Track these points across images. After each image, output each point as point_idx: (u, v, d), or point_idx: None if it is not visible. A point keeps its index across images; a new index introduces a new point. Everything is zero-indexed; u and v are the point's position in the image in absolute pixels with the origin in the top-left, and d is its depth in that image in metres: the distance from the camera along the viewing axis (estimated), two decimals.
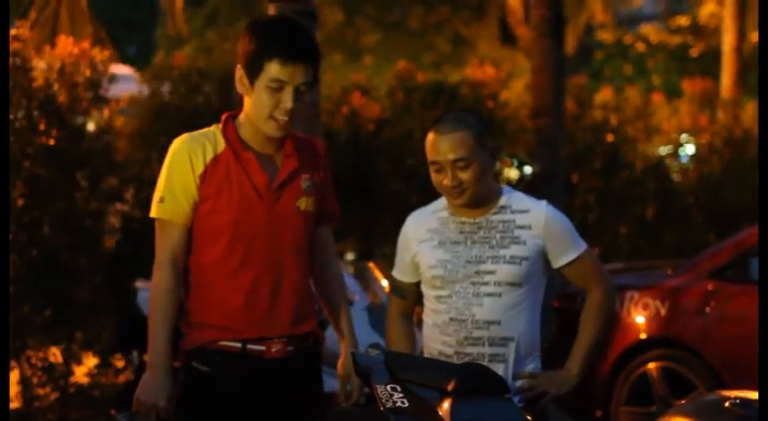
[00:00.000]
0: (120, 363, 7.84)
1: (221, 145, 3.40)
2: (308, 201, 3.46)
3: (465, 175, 3.57)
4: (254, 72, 3.33)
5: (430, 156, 3.62)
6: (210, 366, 3.37)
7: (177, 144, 3.42)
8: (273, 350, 3.39)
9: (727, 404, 3.41)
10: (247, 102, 3.40)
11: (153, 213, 3.40)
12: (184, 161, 3.37)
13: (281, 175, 3.41)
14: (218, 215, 3.36)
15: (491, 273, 3.60)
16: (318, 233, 3.59)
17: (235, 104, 8.99)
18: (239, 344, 3.36)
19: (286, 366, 3.41)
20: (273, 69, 3.29)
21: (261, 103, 3.34)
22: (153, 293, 3.37)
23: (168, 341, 3.34)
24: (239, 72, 3.37)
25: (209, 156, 3.38)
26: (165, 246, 3.38)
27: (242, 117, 3.45)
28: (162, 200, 3.38)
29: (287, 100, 3.32)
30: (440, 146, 3.58)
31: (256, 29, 3.37)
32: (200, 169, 3.36)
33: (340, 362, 3.60)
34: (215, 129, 3.44)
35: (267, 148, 3.43)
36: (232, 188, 3.36)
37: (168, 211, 3.37)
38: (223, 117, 3.48)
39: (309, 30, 3.52)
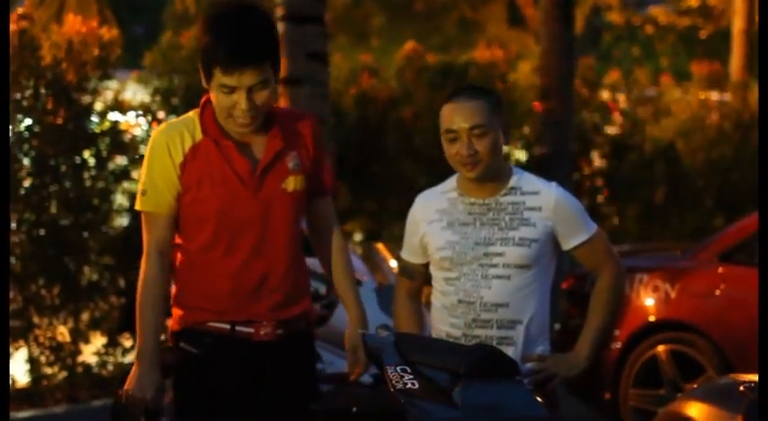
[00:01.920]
0: (127, 343, 7.86)
1: (200, 133, 3.32)
2: (296, 181, 3.36)
3: (481, 145, 3.54)
4: (206, 74, 3.24)
5: (445, 125, 3.58)
6: (200, 348, 3.32)
7: (156, 134, 3.35)
8: (262, 333, 3.33)
9: (741, 388, 3.39)
10: (211, 96, 3.30)
11: (137, 206, 3.35)
12: (163, 152, 3.30)
13: (265, 159, 3.32)
14: (201, 204, 3.29)
15: (500, 255, 3.57)
16: (316, 207, 3.51)
17: None
18: (228, 326, 3.32)
19: (276, 349, 3.35)
20: (218, 76, 3.20)
21: (218, 104, 3.26)
22: (140, 285, 3.31)
23: (157, 333, 3.29)
24: (201, 68, 3.28)
25: (188, 144, 3.30)
26: (151, 238, 3.33)
27: None
28: (144, 192, 3.32)
29: (241, 102, 3.21)
30: (456, 114, 3.55)
31: (207, 25, 3.24)
32: (179, 159, 3.29)
33: (347, 333, 3.52)
34: (194, 116, 3.36)
35: (248, 133, 3.33)
36: (213, 177, 3.29)
37: (152, 203, 3.32)
38: (201, 101, 3.38)
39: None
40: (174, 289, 3.39)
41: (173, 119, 3.43)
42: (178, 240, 3.37)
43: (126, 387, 3.28)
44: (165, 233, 3.33)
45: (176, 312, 3.38)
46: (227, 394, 3.32)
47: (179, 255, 3.38)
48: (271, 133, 3.35)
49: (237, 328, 3.32)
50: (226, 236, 3.30)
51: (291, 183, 3.36)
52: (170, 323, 3.39)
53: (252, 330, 3.32)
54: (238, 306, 3.31)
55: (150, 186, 3.32)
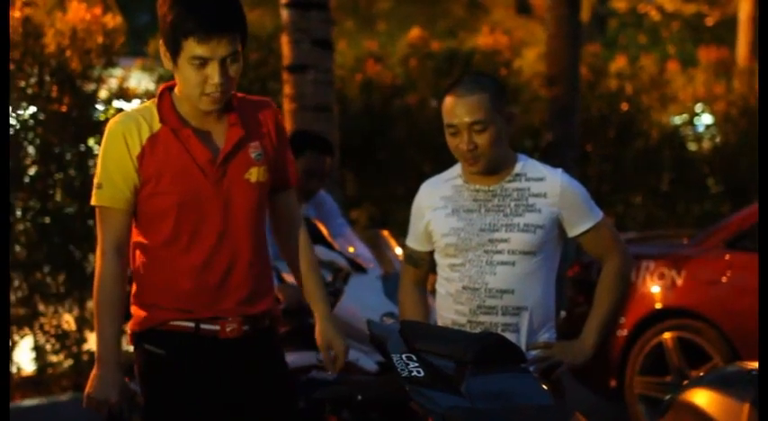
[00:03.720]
0: None
1: (157, 123, 3.21)
2: (259, 171, 3.26)
3: (481, 139, 3.53)
4: (173, 50, 3.13)
5: (446, 119, 3.57)
6: (164, 348, 3.23)
7: (111, 125, 3.23)
8: (228, 330, 3.23)
9: (748, 376, 3.38)
10: (176, 77, 3.21)
11: (93, 201, 3.24)
12: (119, 143, 3.18)
13: (226, 148, 3.22)
14: (160, 197, 3.19)
15: (505, 241, 3.56)
16: (279, 200, 3.42)
17: (247, 68, 8.96)
18: (192, 324, 3.22)
19: (242, 347, 3.25)
20: (192, 47, 3.09)
21: (188, 82, 3.15)
22: (98, 284, 3.20)
23: (117, 334, 3.20)
24: (161, 47, 3.18)
25: (146, 135, 3.19)
26: (108, 234, 3.21)
27: (178, 91, 3.25)
28: (100, 186, 3.21)
29: (213, 75, 3.11)
30: (456, 109, 3.54)
31: (169, 5, 3.14)
32: (136, 150, 3.18)
33: (317, 331, 3.41)
34: (151, 105, 3.25)
35: (208, 121, 3.24)
36: (173, 168, 3.18)
37: (108, 198, 3.20)
38: (158, 90, 3.30)
39: None
40: (133, 288, 3.28)
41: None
42: (138, 237, 3.26)
43: (87, 390, 3.18)
44: (122, 229, 3.22)
45: (137, 312, 3.27)
46: (195, 394, 3.23)
47: (138, 253, 3.27)
48: (231, 121, 3.25)
49: (202, 326, 3.22)
50: (187, 229, 3.20)
51: (255, 174, 3.26)
52: (130, 324, 3.29)
53: (217, 328, 3.23)
54: (203, 302, 3.22)
55: (106, 180, 3.20)
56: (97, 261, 3.23)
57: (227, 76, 3.14)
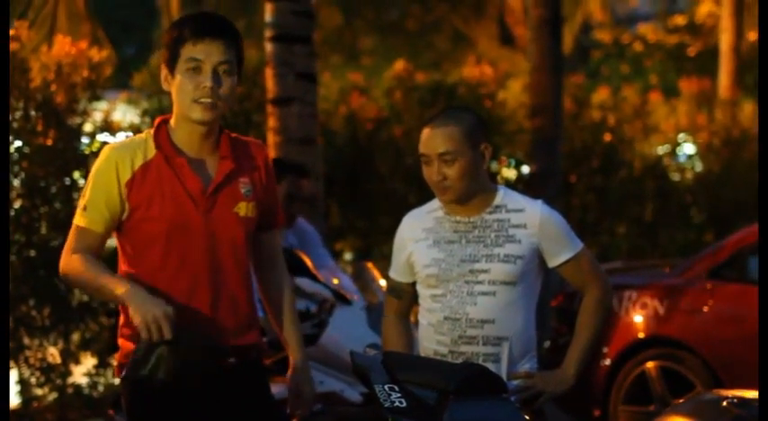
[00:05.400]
0: None
1: (152, 151, 3.29)
2: (248, 207, 3.33)
3: (451, 171, 3.59)
4: (172, 63, 3.26)
5: (420, 148, 3.66)
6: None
7: (106, 152, 3.31)
8: None
9: (725, 403, 3.41)
10: (173, 95, 3.30)
11: (75, 220, 3.30)
12: (110, 170, 3.26)
13: (217, 179, 3.29)
14: (150, 223, 3.24)
15: (485, 271, 3.60)
16: (263, 239, 3.46)
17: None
18: None
19: (229, 379, 3.27)
20: (187, 51, 3.22)
21: (182, 89, 3.25)
22: (75, 267, 3.21)
23: (112, 275, 3.19)
24: (163, 71, 3.31)
25: (139, 163, 3.27)
26: (78, 245, 3.27)
27: (173, 121, 3.34)
28: (85, 208, 3.28)
29: (205, 79, 3.22)
30: (429, 139, 3.62)
31: (171, 25, 3.34)
32: (126, 177, 3.25)
33: (289, 374, 3.47)
34: (146, 136, 3.34)
35: (201, 152, 3.32)
36: (164, 195, 3.24)
37: (89, 220, 3.27)
38: (156, 121, 3.38)
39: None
40: (121, 320, 3.32)
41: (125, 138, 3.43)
42: (126, 266, 3.30)
43: (137, 320, 3.06)
44: (93, 247, 3.28)
45: (125, 344, 3.30)
46: None
47: None
48: (222, 154, 3.33)
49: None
50: (175, 257, 3.24)
51: (243, 209, 3.32)
52: (117, 356, 3.32)
53: None
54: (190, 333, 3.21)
55: (91, 203, 3.27)
56: (62, 260, 3.26)
57: (219, 84, 3.24)
